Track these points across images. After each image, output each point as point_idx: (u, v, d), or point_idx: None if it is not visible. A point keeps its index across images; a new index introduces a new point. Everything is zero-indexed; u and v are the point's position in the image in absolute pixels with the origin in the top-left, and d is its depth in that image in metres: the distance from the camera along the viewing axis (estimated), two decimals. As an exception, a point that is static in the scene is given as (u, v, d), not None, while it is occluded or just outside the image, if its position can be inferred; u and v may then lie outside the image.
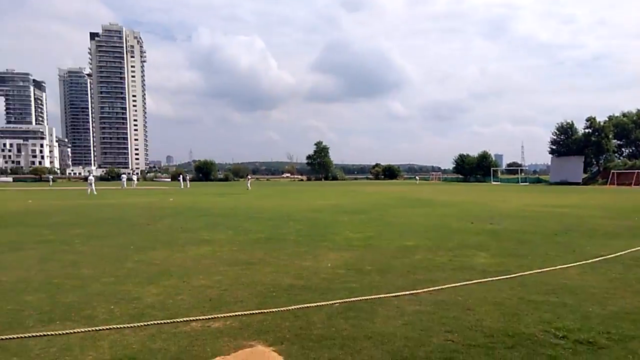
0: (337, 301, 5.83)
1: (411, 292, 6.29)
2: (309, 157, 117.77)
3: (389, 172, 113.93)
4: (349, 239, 11.35)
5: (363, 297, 5.99)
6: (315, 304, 5.70)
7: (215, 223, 15.14)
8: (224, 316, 5.24)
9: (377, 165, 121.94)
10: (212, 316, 5.23)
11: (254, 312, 5.41)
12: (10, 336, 4.59)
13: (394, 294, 6.16)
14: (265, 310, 5.45)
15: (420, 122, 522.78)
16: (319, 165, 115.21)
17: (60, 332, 4.69)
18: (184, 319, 5.16)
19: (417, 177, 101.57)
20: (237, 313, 5.35)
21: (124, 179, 56.88)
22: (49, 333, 4.68)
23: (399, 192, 39.37)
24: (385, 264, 8.24)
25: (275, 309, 5.50)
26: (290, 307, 5.57)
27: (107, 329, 4.84)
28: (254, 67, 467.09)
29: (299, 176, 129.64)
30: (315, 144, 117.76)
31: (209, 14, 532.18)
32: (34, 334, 4.66)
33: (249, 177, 69.09)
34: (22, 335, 4.62)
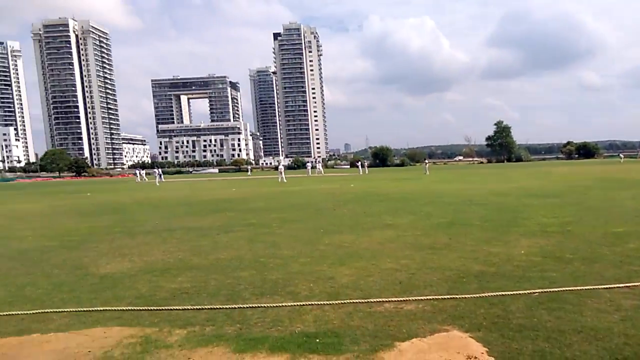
0: (537, 290, 5.45)
1: (627, 284, 5.56)
2: (488, 138, 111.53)
3: (584, 151, 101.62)
4: (542, 225, 10.48)
5: (567, 288, 5.50)
6: (511, 292, 5.42)
7: (396, 208, 15.36)
8: (416, 299, 5.32)
9: (569, 143, 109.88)
10: (404, 298, 5.36)
11: (445, 297, 5.38)
12: (233, 306, 5.35)
13: (605, 286, 5.52)
14: (457, 296, 5.38)
15: (621, 92, 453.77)
16: (500, 146, 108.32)
17: (271, 305, 5.31)
18: (377, 299, 5.39)
19: (621, 155, 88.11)
20: (428, 297, 5.38)
21: (309, 167, 61.18)
22: (262, 305, 5.34)
23: (599, 173, 34.86)
24: (590, 253, 7.42)
25: (468, 295, 5.39)
26: (484, 294, 5.40)
27: (309, 304, 5.32)
28: (425, 49, 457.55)
29: (478, 159, 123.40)
30: (495, 124, 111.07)
31: (379, 1, 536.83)
32: (251, 305, 5.35)
33: (426, 161, 67.85)
34: (242, 306, 5.34)
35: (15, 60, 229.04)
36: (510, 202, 15.88)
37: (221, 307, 5.33)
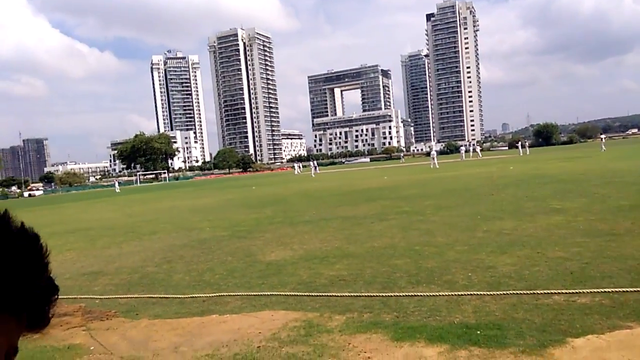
0: None
1: None
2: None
3: None
4: None
5: None
6: None
7: (565, 190, 13.93)
8: (591, 291, 4.76)
9: None
10: (577, 291, 4.83)
11: (628, 289, 4.72)
12: (389, 294, 5.38)
13: None
14: (643, 289, 4.69)
15: None
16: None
17: (428, 294, 5.22)
18: (545, 291, 4.95)
19: None
20: (606, 289, 4.78)
21: (462, 151, 58.71)
22: (418, 294, 5.27)
23: None
24: None
25: (658, 289, 4.66)
26: (679, 288, 4.63)
27: (468, 294, 5.10)
28: (600, 8, 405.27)
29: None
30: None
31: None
32: (407, 294, 5.33)
33: (602, 136, 59.82)
34: (398, 294, 5.34)
35: (195, 72, 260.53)
36: None
37: (378, 294, 5.40)
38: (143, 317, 5.47)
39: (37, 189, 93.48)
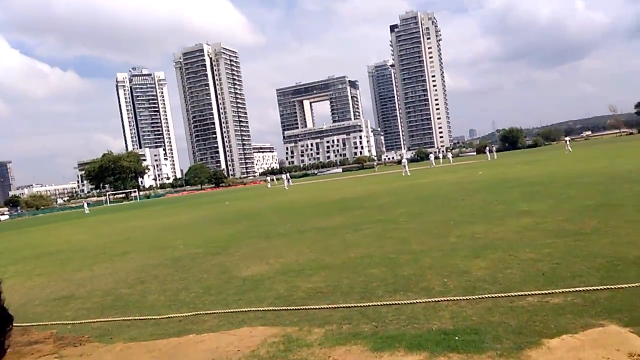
0: None
1: None
2: (638, 105, 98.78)
3: None
4: None
5: None
6: (680, 280, 4.73)
7: (532, 192, 14.28)
8: (563, 291, 4.88)
9: None
10: (549, 291, 4.94)
11: (598, 287, 4.86)
12: (367, 304, 5.39)
13: None
14: (612, 287, 4.82)
15: None
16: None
17: (405, 302, 5.25)
18: (519, 293, 5.04)
19: None
20: (578, 288, 4.90)
21: (432, 158, 59.66)
22: (396, 302, 5.30)
23: None
24: None
25: (625, 285, 4.81)
26: (645, 283, 4.78)
27: (444, 300, 5.15)
28: (555, 16, 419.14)
29: (627, 129, 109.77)
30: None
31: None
32: (385, 303, 5.35)
33: (567, 138, 60.09)
34: (376, 304, 5.36)
35: (162, 88, 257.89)
36: (672, 175, 13.88)
37: (356, 305, 5.40)
38: (118, 340, 5.32)
39: (2, 214, 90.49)
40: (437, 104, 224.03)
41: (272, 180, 71.66)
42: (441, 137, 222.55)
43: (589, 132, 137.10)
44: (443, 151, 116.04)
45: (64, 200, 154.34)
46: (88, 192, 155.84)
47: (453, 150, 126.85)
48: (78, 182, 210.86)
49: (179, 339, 5.11)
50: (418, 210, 13.68)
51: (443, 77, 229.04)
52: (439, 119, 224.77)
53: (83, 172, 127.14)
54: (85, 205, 65.86)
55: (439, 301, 5.14)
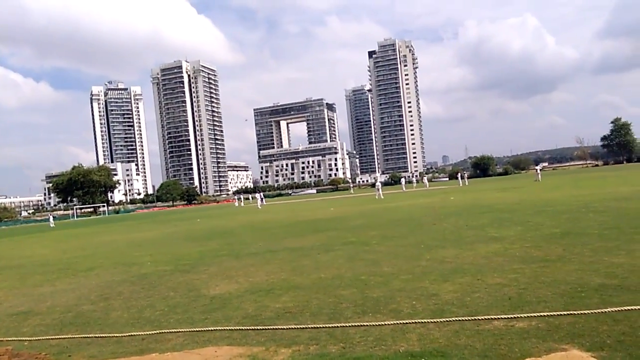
0: (671, 305, 4.83)
1: None
2: (604, 138, 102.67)
3: None
4: (674, 230, 9.31)
5: None
6: (639, 307, 4.85)
7: (502, 219, 14.55)
8: (528, 316, 4.95)
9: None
10: (515, 315, 5.01)
11: (561, 313, 4.95)
12: (336, 325, 5.35)
13: None
14: (575, 312, 4.92)
15: None
16: (618, 146, 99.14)
17: (374, 324, 5.23)
18: (485, 317, 5.09)
19: None
20: (542, 313, 4.98)
21: (403, 182, 60.45)
22: (365, 324, 5.27)
23: None
24: None
25: (588, 311, 4.91)
26: (606, 310, 4.89)
27: (412, 322, 5.16)
28: (527, 50, 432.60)
29: (593, 161, 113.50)
30: (612, 122, 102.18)
31: (474, 3, 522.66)
32: (353, 324, 5.32)
33: (537, 167, 60.57)
34: (344, 325, 5.32)
35: (137, 103, 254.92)
36: (633, 206, 14.36)
37: (324, 325, 5.35)
38: (76, 358, 5.13)
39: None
40: (412, 130, 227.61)
41: (242, 199, 71.11)
42: (415, 161, 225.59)
43: (546, 163, 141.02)
44: (417, 175, 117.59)
45: (29, 213, 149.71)
46: (55, 205, 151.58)
47: (427, 175, 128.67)
48: (45, 194, 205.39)
49: (141, 358, 4.97)
50: (390, 233, 13.75)
51: (418, 103, 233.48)
52: (413, 144, 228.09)
53: (51, 184, 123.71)
54: (51, 218, 63.94)
55: (406, 323, 5.14)
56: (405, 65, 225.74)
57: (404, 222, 16.76)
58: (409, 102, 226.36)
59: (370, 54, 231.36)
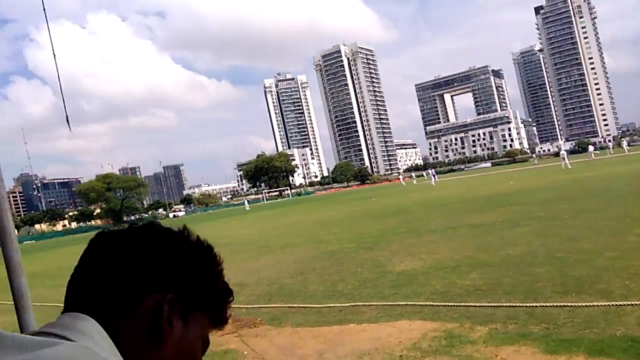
0: None
1: None
2: None
3: None
4: None
5: None
6: None
7: None
8: None
9: None
10: None
11: None
12: (535, 304, 5.07)
13: None
14: None
15: None
16: None
17: (580, 304, 4.82)
18: None
19: None
20: None
21: (591, 150, 54.09)
22: (569, 304, 4.89)
23: None
24: None
25: None
26: None
27: (629, 304, 4.62)
28: None
29: None
30: None
31: None
32: (555, 304, 4.97)
33: None
34: (545, 304, 5.00)
35: (305, 91, 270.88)
36: None
37: (521, 304, 5.12)
38: (286, 325, 5.78)
39: (180, 210, 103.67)
40: (597, 89, 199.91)
41: (414, 177, 70.95)
42: (606, 124, 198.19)
43: None
44: (611, 140, 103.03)
45: (228, 198, 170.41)
46: (247, 190, 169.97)
47: (624, 139, 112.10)
48: (238, 181, 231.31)
49: (341, 327, 5.37)
50: (584, 207, 12.40)
51: (602, 58, 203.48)
52: (601, 104, 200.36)
53: (241, 172, 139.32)
54: (246, 202, 71.94)
55: (621, 305, 4.63)
56: (581, 17, 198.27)
57: (600, 194, 14.94)
58: (590, 58, 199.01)
59: (537, 9, 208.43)
